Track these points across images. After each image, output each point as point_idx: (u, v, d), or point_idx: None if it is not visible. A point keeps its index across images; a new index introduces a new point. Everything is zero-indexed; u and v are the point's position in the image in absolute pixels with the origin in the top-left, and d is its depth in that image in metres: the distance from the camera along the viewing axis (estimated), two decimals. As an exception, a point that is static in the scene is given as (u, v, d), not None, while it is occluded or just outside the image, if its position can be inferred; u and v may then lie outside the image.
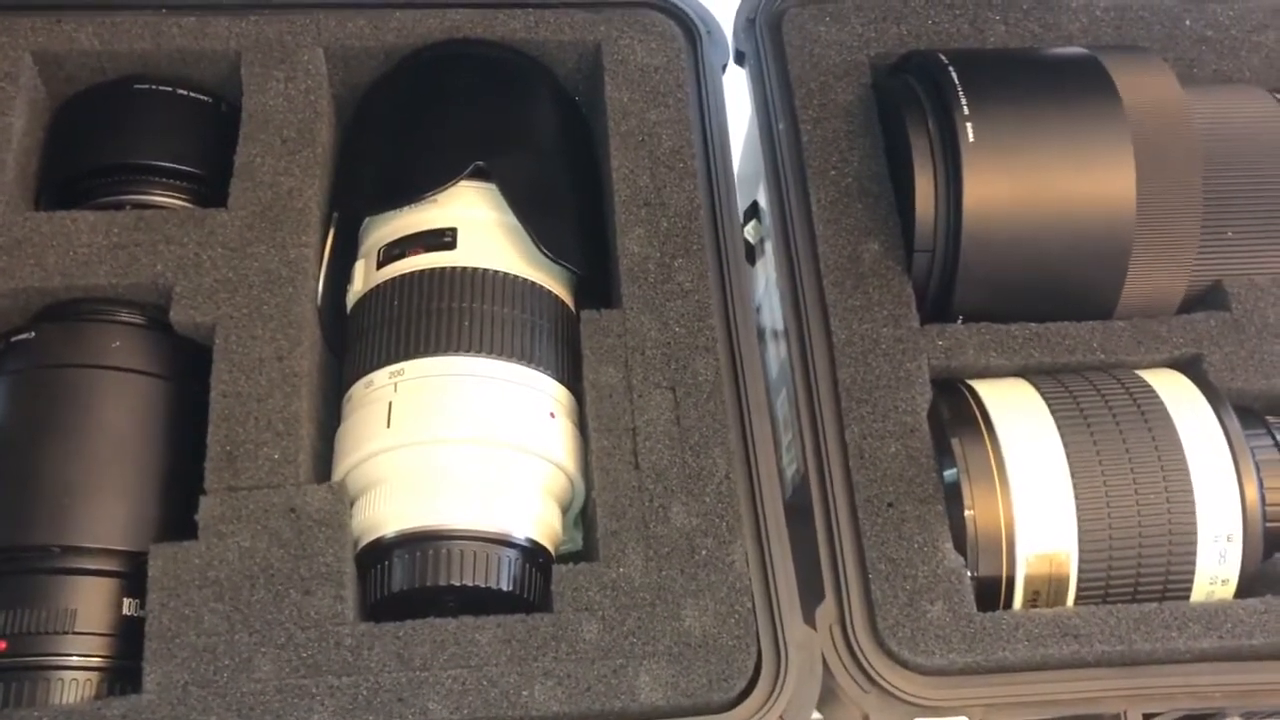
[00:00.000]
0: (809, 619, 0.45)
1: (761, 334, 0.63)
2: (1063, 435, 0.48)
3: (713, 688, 0.43)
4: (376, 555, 0.44)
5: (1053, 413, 0.48)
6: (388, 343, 0.47)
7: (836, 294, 0.51)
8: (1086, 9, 0.59)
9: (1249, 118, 0.53)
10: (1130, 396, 0.49)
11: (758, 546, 0.46)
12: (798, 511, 0.48)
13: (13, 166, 0.51)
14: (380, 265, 0.49)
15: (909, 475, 0.47)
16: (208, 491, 0.45)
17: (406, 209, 0.50)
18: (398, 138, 0.52)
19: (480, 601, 0.44)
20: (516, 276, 0.48)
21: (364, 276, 0.50)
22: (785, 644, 0.44)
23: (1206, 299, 0.53)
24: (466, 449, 0.45)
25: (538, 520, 0.46)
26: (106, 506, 0.44)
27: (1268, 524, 0.48)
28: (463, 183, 0.50)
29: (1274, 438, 0.49)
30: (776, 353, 0.58)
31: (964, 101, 0.50)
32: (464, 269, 0.48)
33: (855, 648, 0.44)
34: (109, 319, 0.48)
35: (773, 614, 0.44)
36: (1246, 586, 0.47)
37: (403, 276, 0.48)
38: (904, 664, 0.44)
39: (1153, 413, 0.48)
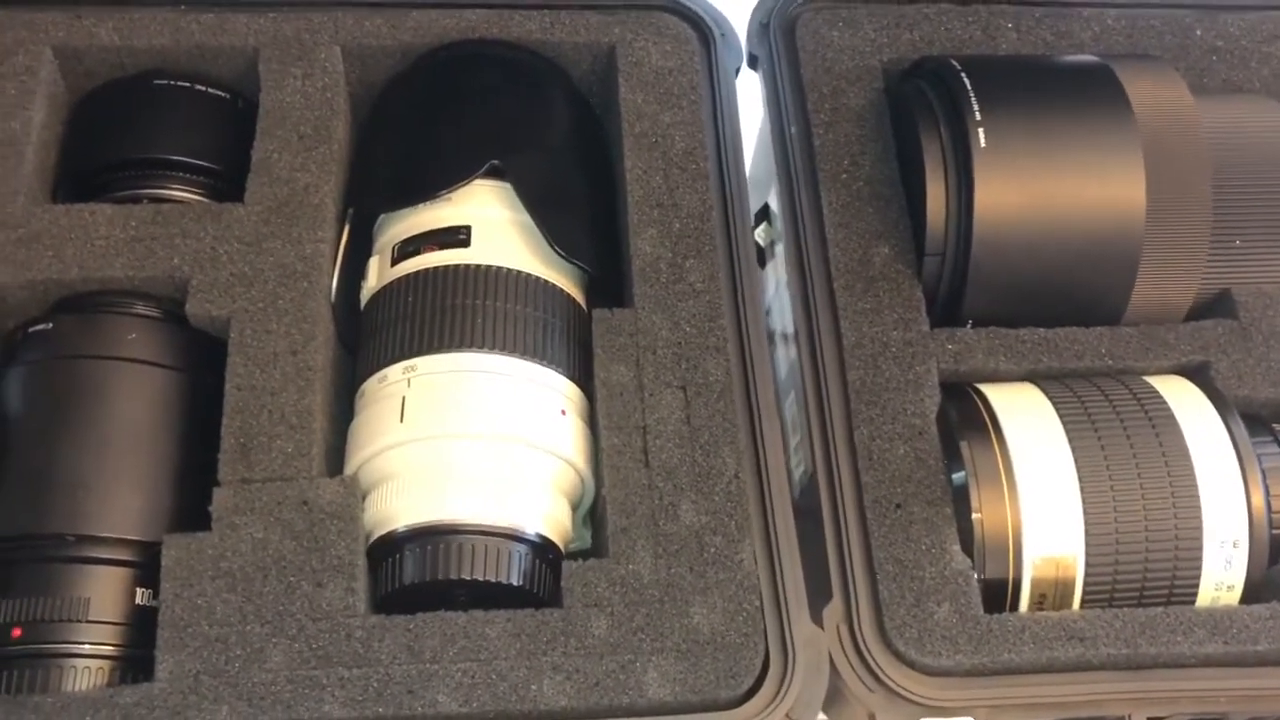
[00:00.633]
0: (816, 619, 0.45)
1: (771, 337, 0.64)
2: (1070, 440, 0.48)
3: (720, 685, 0.43)
4: (388, 549, 0.45)
5: (1061, 418, 0.49)
6: (401, 339, 0.47)
7: (847, 297, 0.51)
8: (1098, 18, 0.60)
9: (1259, 127, 0.54)
10: (1138, 402, 0.49)
11: (766, 545, 0.46)
12: (805, 513, 0.48)
13: (32, 159, 0.51)
14: (395, 262, 0.50)
15: (917, 477, 0.48)
16: (221, 483, 0.45)
17: (421, 206, 0.50)
18: (413, 136, 0.52)
19: (490, 596, 0.44)
20: (530, 275, 0.49)
21: (378, 273, 0.50)
22: (792, 642, 0.44)
23: (1215, 307, 0.54)
24: (478, 444, 0.45)
25: (548, 516, 0.46)
26: (121, 497, 0.45)
27: (1274, 530, 0.48)
28: (477, 181, 0.50)
29: (1280, 445, 0.50)
30: (785, 355, 0.58)
31: (976, 107, 0.50)
32: (478, 266, 0.48)
33: (862, 647, 0.44)
34: (125, 311, 0.48)
35: (780, 612, 0.45)
36: (1252, 592, 0.47)
37: (417, 273, 0.49)
38: (910, 664, 0.45)
39: (1160, 419, 0.48)
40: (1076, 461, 0.47)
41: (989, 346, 0.51)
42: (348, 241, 0.52)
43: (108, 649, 0.43)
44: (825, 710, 0.47)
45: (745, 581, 0.45)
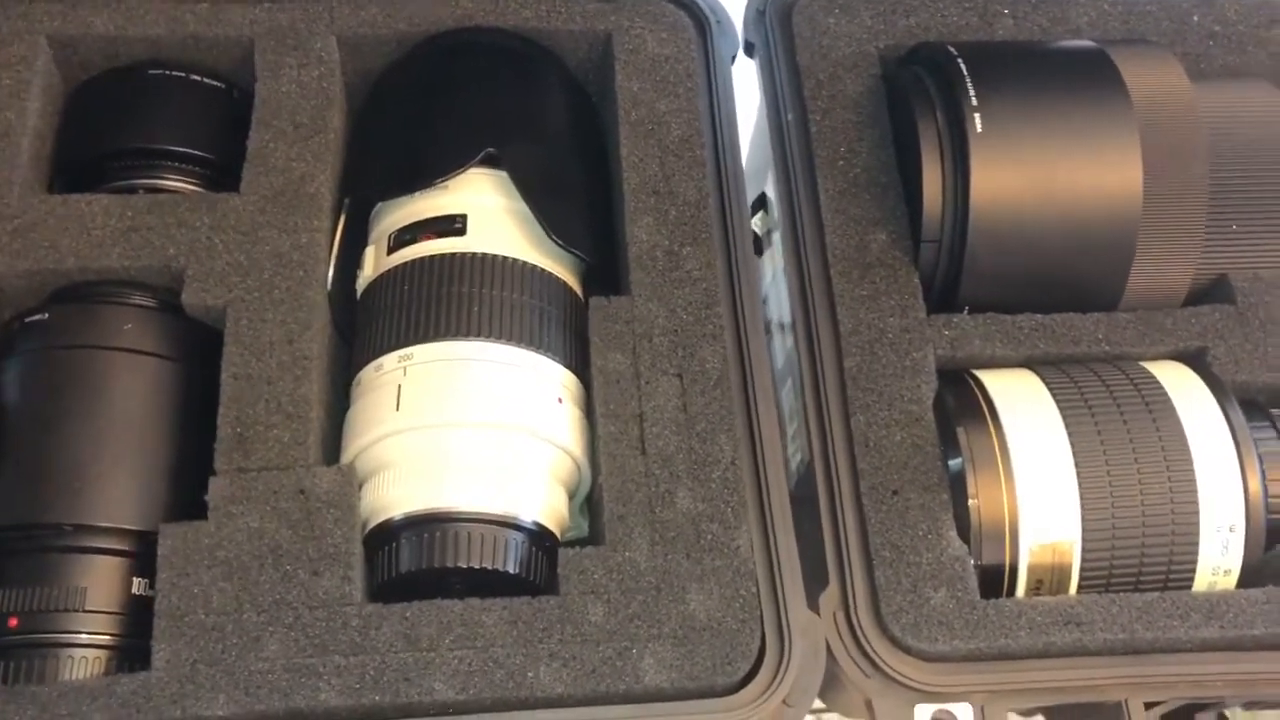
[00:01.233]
0: (813, 605, 0.45)
1: (767, 325, 0.64)
2: (1067, 425, 0.48)
3: (716, 671, 0.43)
4: (384, 537, 0.45)
5: (1057, 403, 0.49)
6: (397, 327, 0.47)
7: (844, 284, 0.51)
8: (1094, 3, 0.59)
9: (1256, 112, 0.54)
10: (1135, 388, 0.49)
11: (763, 532, 0.46)
12: (802, 502, 0.48)
13: (27, 150, 0.51)
14: (391, 250, 0.50)
15: (914, 464, 0.48)
16: (218, 472, 0.45)
17: (417, 195, 0.50)
18: (409, 124, 0.52)
19: (487, 584, 0.44)
20: (526, 263, 0.49)
21: (374, 261, 0.50)
22: (789, 628, 0.44)
23: (1212, 292, 0.53)
24: (474, 433, 0.45)
25: (544, 504, 0.46)
26: (117, 486, 0.45)
27: (1270, 515, 0.48)
28: (473, 169, 0.50)
29: (1278, 430, 0.50)
30: (782, 344, 0.58)
31: (972, 93, 0.50)
32: (474, 255, 0.48)
33: (859, 633, 0.45)
34: (122, 301, 0.48)
35: (777, 599, 0.45)
36: (1249, 577, 0.47)
37: (413, 262, 0.49)
38: (907, 650, 0.45)
39: (1157, 404, 0.48)
40: (1073, 447, 0.47)
41: (986, 333, 0.51)
42: (344, 230, 0.52)
43: (105, 638, 0.44)
44: (822, 696, 0.47)
45: (742, 568, 0.45)
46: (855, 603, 0.45)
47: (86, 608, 0.43)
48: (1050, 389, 0.49)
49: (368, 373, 0.47)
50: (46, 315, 0.47)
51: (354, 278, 0.51)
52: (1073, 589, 0.47)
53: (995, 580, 0.47)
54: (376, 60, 0.56)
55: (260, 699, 0.41)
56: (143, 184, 0.52)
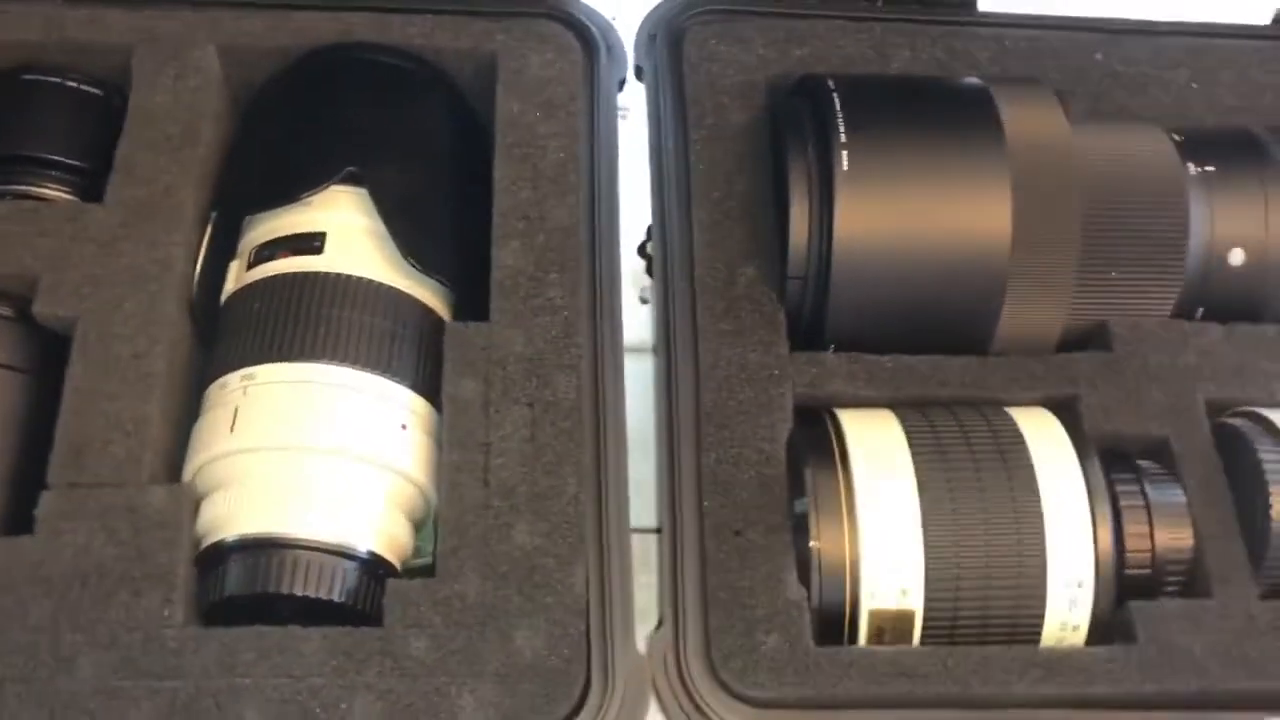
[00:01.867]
0: (651, 646, 0.45)
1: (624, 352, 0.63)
2: (917, 471, 0.47)
3: (536, 711, 0.43)
4: (215, 558, 0.44)
5: (911, 447, 0.48)
6: (244, 345, 0.47)
7: (708, 317, 0.51)
8: (997, 37, 0.59)
9: (1141, 158, 0.53)
10: (993, 434, 0.48)
11: (599, 569, 0.45)
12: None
13: (-104, 152, 0.51)
14: (250, 265, 0.49)
15: (760, 503, 0.47)
16: (50, 486, 0.45)
17: (282, 211, 0.50)
18: (279, 139, 0.52)
19: (318, 613, 0.44)
20: (381, 284, 0.48)
21: (235, 276, 0.50)
22: (613, 669, 0.43)
23: (1091, 339, 0.53)
24: (310, 458, 0.45)
25: (381, 533, 0.45)
26: (-51, 496, 0.44)
27: (1125, 571, 0.47)
28: (338, 188, 0.50)
29: (1142, 484, 0.49)
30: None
31: (842, 129, 0.49)
32: (326, 274, 0.48)
33: (685, 675, 0.44)
34: (-27, 310, 0.48)
35: (605, 638, 0.44)
36: (1101, 633, 0.47)
37: (268, 279, 0.48)
38: (735, 695, 0.44)
39: (1012, 452, 0.48)
40: (921, 493, 0.46)
41: (849, 372, 0.50)
42: (210, 243, 0.52)
43: (-76, 649, 0.43)
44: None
45: (574, 605, 0.44)
46: (685, 645, 0.44)
47: (-95, 617, 0.43)
48: (906, 431, 0.48)
49: (213, 390, 0.47)
50: (-105, 321, 0.47)
51: (220, 291, 0.51)
52: (916, 639, 0.46)
53: (835, 627, 0.46)
54: (261, 72, 0.56)
55: (68, 720, 0.41)
56: (13, 190, 0.52)
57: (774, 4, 0.58)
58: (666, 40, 0.57)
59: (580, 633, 0.44)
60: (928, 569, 0.46)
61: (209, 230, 0.52)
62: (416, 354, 0.48)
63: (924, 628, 0.46)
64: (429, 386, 0.48)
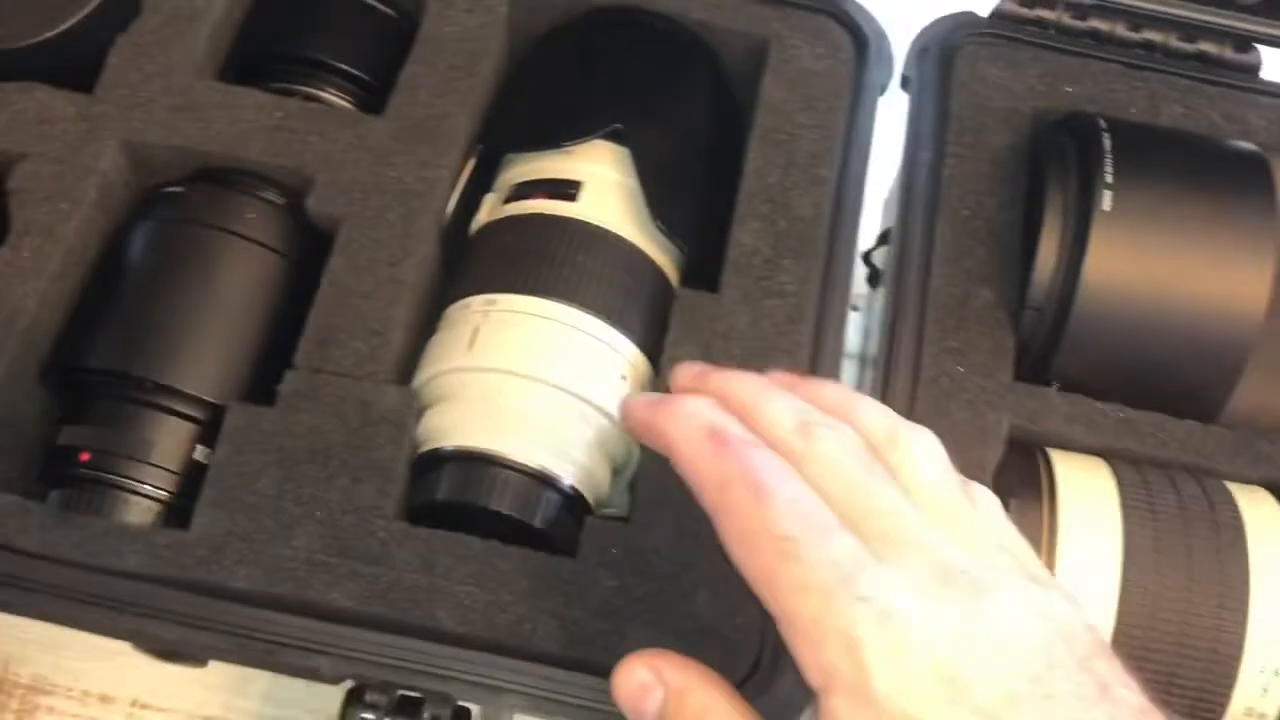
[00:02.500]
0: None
1: (865, 360, 0.63)
2: (1125, 524, 0.46)
3: (706, 672, 0.43)
4: (430, 464, 0.47)
5: (1122, 500, 0.47)
6: (490, 272, 0.49)
7: (936, 331, 0.51)
8: (1277, 109, 0.57)
9: None
10: (1209, 504, 0.47)
11: (788, 551, 0.46)
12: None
13: (206, 36, 0.55)
14: (506, 201, 0.52)
15: (958, 524, 0.47)
16: (295, 367, 0.48)
17: (542, 154, 0.52)
18: (551, 86, 0.54)
19: (514, 533, 0.46)
20: (626, 240, 0.50)
21: (489, 209, 0.52)
22: (785, 654, 0.44)
23: (1331, 427, 0.51)
24: (535, 387, 0.46)
25: (585, 471, 0.47)
26: (204, 358, 0.48)
27: (1324, 670, 0.45)
28: (599, 141, 0.52)
29: (1357, 584, 0.47)
30: (869, 381, 0.58)
31: (1109, 169, 0.49)
32: (578, 221, 0.49)
33: (856, 673, 0.44)
34: (251, 192, 0.51)
35: (784, 619, 0.44)
36: (1284, 727, 0.45)
37: (521, 216, 0.50)
38: (902, 703, 0.44)
39: (1227, 526, 0.46)
40: (1126, 546, 0.46)
41: (1069, 413, 0.50)
42: (472, 174, 0.54)
43: (160, 493, 0.46)
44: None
45: (758, 580, 0.45)
46: (861, 643, 0.44)
47: (150, 460, 0.46)
48: (1119, 484, 0.48)
49: (454, 309, 0.49)
50: (183, 189, 0.51)
51: (470, 219, 0.53)
52: (1091, 689, 0.45)
53: (1012, 659, 0.46)
54: (541, 21, 0.58)
55: (277, 583, 0.44)
56: (302, 90, 0.55)
57: (1052, 38, 0.58)
58: (939, 55, 0.57)
59: (760, 609, 0.45)
60: (1119, 623, 0.45)
61: (473, 160, 0.54)
62: (646, 312, 0.50)
63: (1101, 680, 0.45)
64: (652, 345, 0.50)
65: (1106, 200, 0.48)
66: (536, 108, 0.54)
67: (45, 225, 0.50)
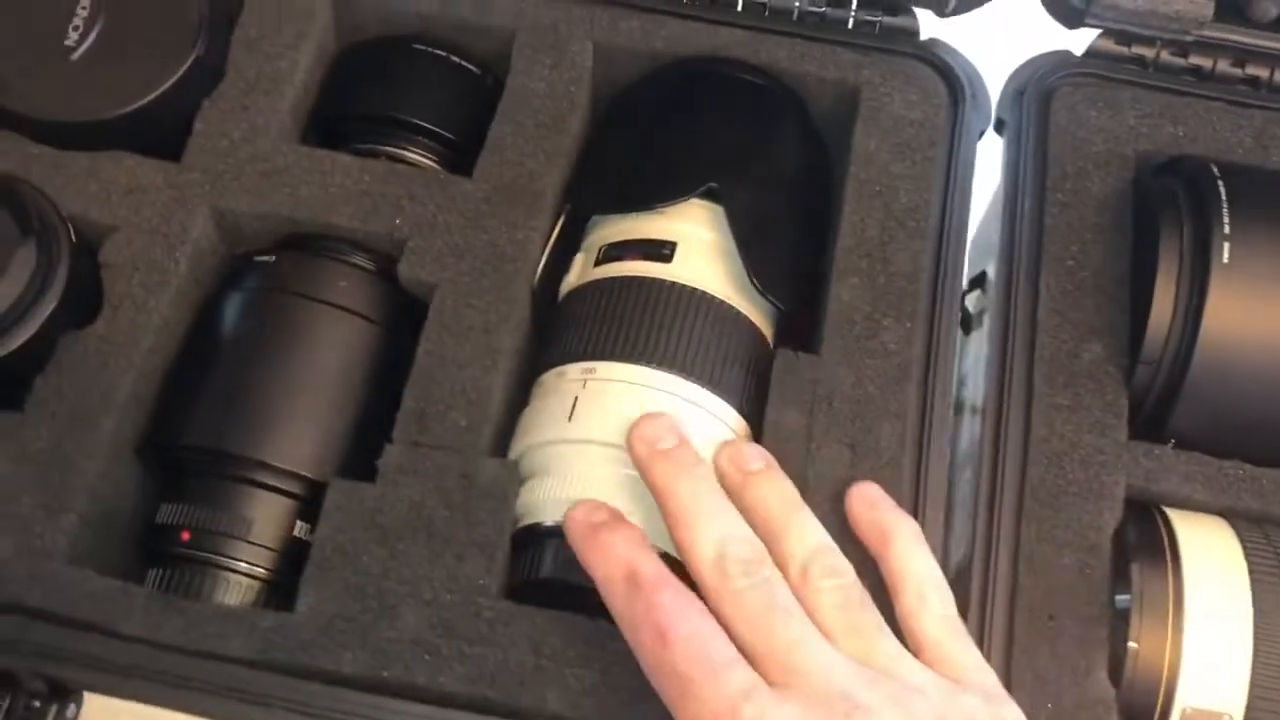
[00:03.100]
0: None
1: (960, 407, 0.62)
2: (1254, 589, 0.45)
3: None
4: (532, 539, 0.46)
5: (1249, 563, 0.45)
6: (587, 339, 0.48)
7: (1046, 388, 0.49)
8: (1390, 145, 0.55)
9: None
10: (1339, 566, 0.45)
11: (903, 624, 0.45)
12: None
13: (290, 100, 0.55)
14: (598, 263, 0.51)
15: (1078, 591, 0.45)
16: (394, 441, 0.47)
17: (633, 214, 0.51)
18: (641, 144, 0.53)
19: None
20: (723, 301, 0.49)
21: (580, 270, 0.51)
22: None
23: None
24: (637, 459, 0.45)
25: (690, 542, 0.46)
26: (302, 433, 0.47)
27: None
28: (692, 200, 0.51)
29: None
30: (970, 430, 0.57)
31: (1226, 219, 0.47)
32: (674, 284, 0.48)
33: (981, 754, 0.43)
34: (343, 259, 0.51)
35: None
36: None
37: (616, 279, 0.49)
38: (1027, 785, 0.43)
39: (1361, 590, 0.45)
40: (1256, 613, 0.44)
41: (1187, 472, 0.48)
42: (559, 234, 0.53)
43: (261, 571, 0.46)
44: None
45: (873, 656, 0.44)
46: (984, 722, 0.43)
47: (250, 538, 0.46)
48: (1244, 546, 0.46)
49: (549, 377, 0.48)
50: (273, 258, 0.50)
51: (559, 281, 0.52)
52: (1223, 764, 0.44)
53: (1139, 734, 0.44)
54: (625, 74, 0.57)
55: (385, 665, 0.43)
56: (386, 151, 0.55)
57: (1151, 76, 0.56)
58: (1035, 98, 0.55)
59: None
60: (1253, 692, 0.43)
61: (562, 220, 0.53)
62: (745, 374, 0.49)
63: (1234, 754, 0.44)
64: (752, 409, 0.48)
65: (1225, 252, 0.47)
66: (625, 166, 0.53)
67: (138, 298, 0.49)
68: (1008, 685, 0.44)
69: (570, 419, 0.46)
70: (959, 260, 0.52)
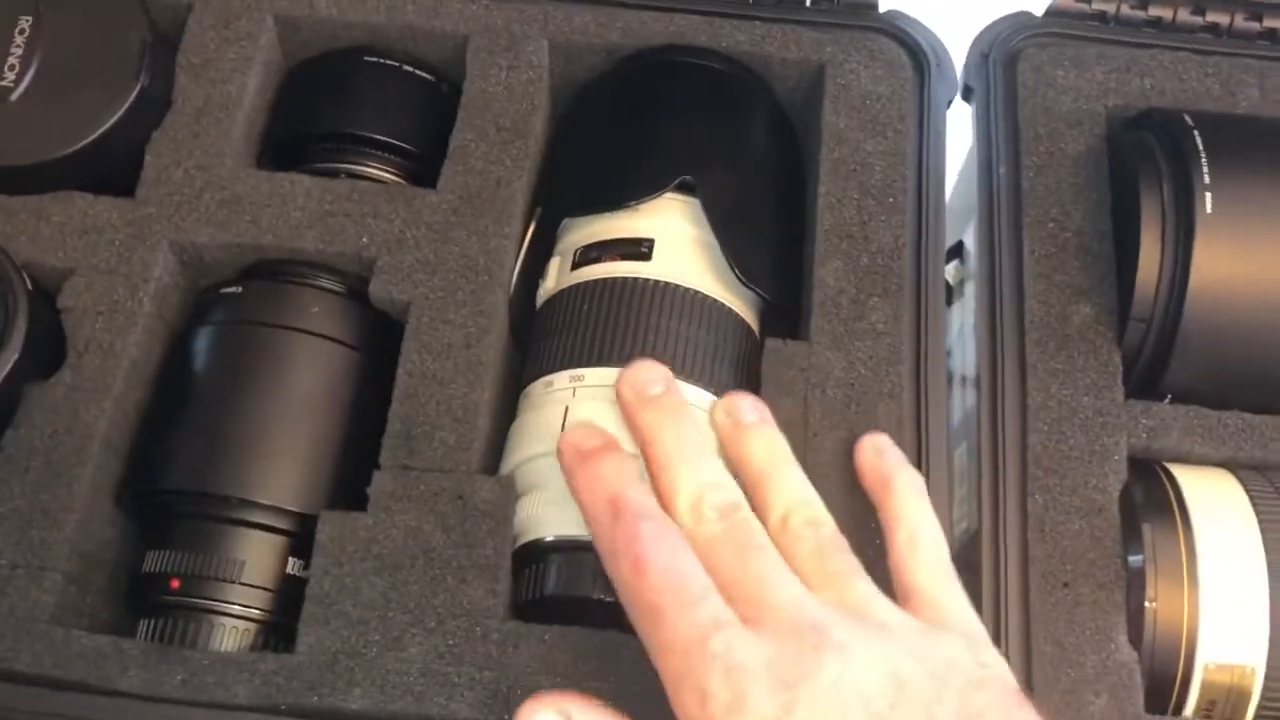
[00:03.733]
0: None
1: (949, 379, 0.61)
2: (1265, 538, 0.44)
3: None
4: (533, 556, 0.45)
5: (1257, 512, 0.45)
6: (572, 346, 0.47)
7: (1038, 354, 0.49)
8: (1355, 80, 0.55)
9: None
10: (1346, 507, 0.45)
11: (918, 606, 0.44)
12: (960, 571, 0.46)
13: (242, 124, 0.53)
14: (575, 266, 0.49)
15: (1090, 556, 0.45)
16: (382, 467, 0.46)
17: (606, 214, 0.50)
18: (607, 141, 0.52)
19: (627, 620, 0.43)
20: (706, 295, 0.48)
21: (557, 275, 0.50)
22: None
23: None
24: (636, 464, 0.44)
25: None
26: (285, 467, 0.46)
27: None
28: (666, 195, 0.49)
29: None
30: (962, 400, 0.56)
31: (1206, 170, 0.47)
32: (656, 282, 0.47)
33: (1008, 730, 0.42)
34: (311, 284, 0.49)
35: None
36: None
37: (595, 281, 0.48)
38: (1058, 757, 0.42)
39: (1371, 529, 0.44)
40: (1269, 561, 0.44)
41: (1187, 425, 0.48)
42: (531, 240, 0.52)
43: (256, 612, 0.45)
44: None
45: (892, 641, 0.43)
46: (1008, 697, 0.42)
47: (242, 580, 0.45)
48: (1250, 495, 0.46)
49: (537, 388, 0.47)
50: (240, 289, 0.49)
51: (535, 287, 0.51)
52: (1249, 717, 0.43)
53: (1163, 694, 0.44)
54: (584, 69, 0.56)
55: (394, 699, 0.42)
56: (346, 169, 0.53)
57: (1114, 31, 0.56)
58: (1000, 62, 0.55)
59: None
60: (1273, 643, 0.43)
61: (533, 226, 0.52)
62: (736, 368, 0.48)
63: (1259, 706, 0.43)
64: (746, 400, 0.47)
65: (1208, 203, 0.46)
66: (594, 165, 0.52)
67: (103, 342, 0.48)
68: (1028, 657, 0.43)
69: (563, 429, 0.45)
70: (940, 232, 0.51)
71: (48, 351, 0.47)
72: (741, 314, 0.49)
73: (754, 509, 0.40)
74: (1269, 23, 0.56)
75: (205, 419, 0.46)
